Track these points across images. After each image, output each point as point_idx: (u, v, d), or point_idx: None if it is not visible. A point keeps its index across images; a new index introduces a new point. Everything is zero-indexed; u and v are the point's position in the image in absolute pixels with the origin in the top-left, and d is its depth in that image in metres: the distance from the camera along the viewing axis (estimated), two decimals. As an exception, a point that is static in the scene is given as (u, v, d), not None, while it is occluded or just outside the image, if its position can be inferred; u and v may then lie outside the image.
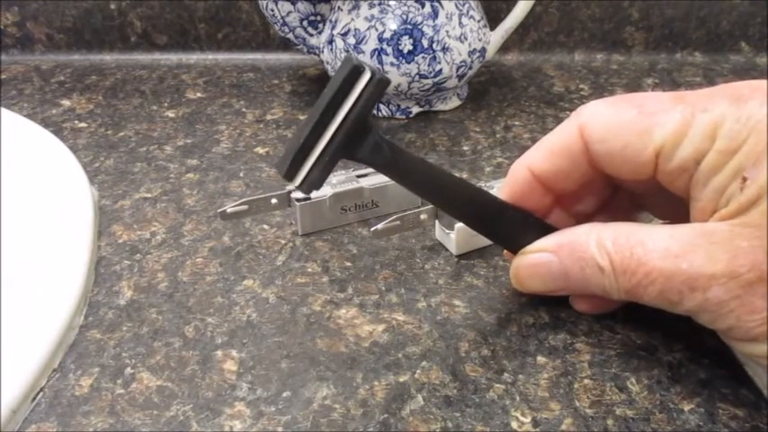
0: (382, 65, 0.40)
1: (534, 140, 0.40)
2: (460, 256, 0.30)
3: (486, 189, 0.31)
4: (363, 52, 0.40)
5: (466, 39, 0.41)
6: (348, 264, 0.30)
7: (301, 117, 0.44)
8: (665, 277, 0.20)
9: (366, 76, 0.19)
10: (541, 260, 0.24)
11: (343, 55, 0.41)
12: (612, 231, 0.22)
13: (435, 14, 0.39)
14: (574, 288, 0.24)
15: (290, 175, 0.20)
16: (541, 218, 0.26)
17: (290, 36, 0.44)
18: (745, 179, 0.19)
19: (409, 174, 0.23)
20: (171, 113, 0.45)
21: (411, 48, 0.39)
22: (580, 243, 0.23)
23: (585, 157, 0.23)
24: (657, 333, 0.25)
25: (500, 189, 0.26)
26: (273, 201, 0.30)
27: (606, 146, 0.22)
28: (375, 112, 0.44)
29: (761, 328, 0.20)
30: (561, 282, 0.24)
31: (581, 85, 0.49)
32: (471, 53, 0.41)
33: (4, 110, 0.42)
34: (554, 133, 0.24)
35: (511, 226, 0.25)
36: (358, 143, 0.21)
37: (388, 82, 0.20)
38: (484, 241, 0.30)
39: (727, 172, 0.20)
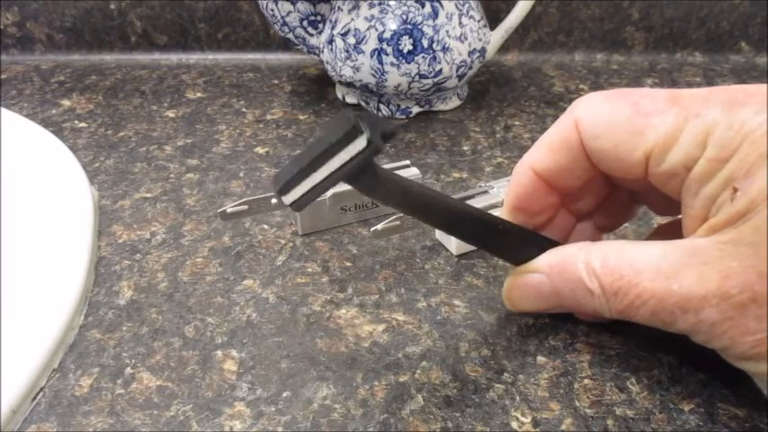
0: (382, 65, 0.40)
1: (534, 140, 0.40)
2: (460, 256, 0.30)
3: (484, 189, 0.31)
4: (363, 52, 0.40)
5: (466, 39, 0.41)
6: (348, 264, 0.30)
7: (301, 117, 0.44)
8: (656, 299, 0.20)
9: (362, 143, 0.19)
10: (532, 281, 0.24)
11: (343, 55, 0.41)
12: (601, 252, 0.22)
13: (435, 14, 0.39)
14: (567, 307, 0.24)
15: (283, 192, 0.21)
16: (535, 230, 0.26)
17: (290, 36, 0.44)
18: (735, 189, 0.19)
19: (405, 204, 0.23)
20: (171, 113, 0.45)
21: (411, 48, 0.39)
22: (569, 264, 0.23)
23: (584, 152, 0.23)
24: (657, 333, 0.25)
25: (505, 192, 0.26)
26: (273, 201, 0.31)
27: (599, 143, 0.22)
28: (375, 112, 0.44)
29: (755, 349, 0.19)
30: (553, 301, 0.24)
31: (581, 85, 0.49)
32: (471, 53, 0.41)
33: (4, 110, 0.42)
34: (551, 130, 0.24)
35: (503, 240, 0.25)
36: (355, 180, 0.21)
37: (382, 147, 0.20)
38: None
39: (717, 181, 0.20)
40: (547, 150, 0.24)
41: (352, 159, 0.19)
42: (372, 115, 0.20)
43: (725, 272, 0.19)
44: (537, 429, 0.22)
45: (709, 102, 0.20)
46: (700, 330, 0.20)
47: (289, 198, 0.20)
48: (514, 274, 0.25)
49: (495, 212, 0.25)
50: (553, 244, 0.25)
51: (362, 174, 0.20)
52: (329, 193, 0.31)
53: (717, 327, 0.19)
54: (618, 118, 0.22)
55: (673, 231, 0.25)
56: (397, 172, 0.33)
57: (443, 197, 0.24)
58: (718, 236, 0.20)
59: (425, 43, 0.39)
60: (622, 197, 0.26)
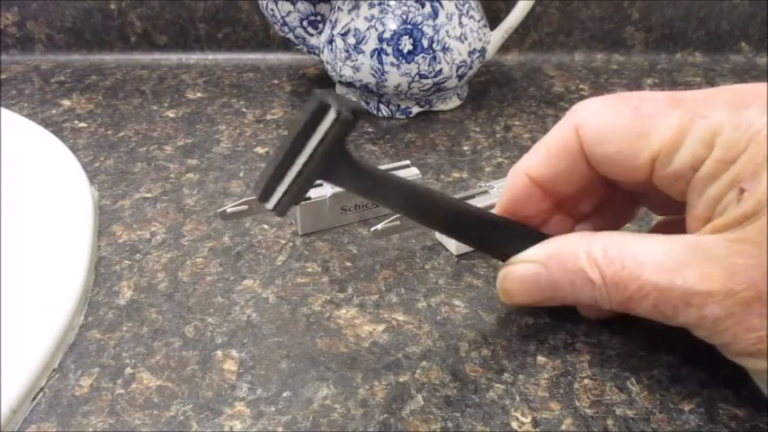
0: (382, 65, 0.40)
1: (534, 140, 0.40)
2: (460, 256, 0.30)
3: (484, 189, 0.31)
4: (363, 52, 0.40)
5: (466, 39, 0.41)
6: (348, 264, 0.30)
7: (301, 117, 0.44)
8: (658, 291, 0.20)
9: (331, 116, 0.19)
10: (529, 271, 0.23)
11: (343, 55, 0.41)
12: (602, 242, 0.22)
13: (435, 14, 0.39)
14: (563, 299, 0.23)
15: (263, 198, 0.20)
16: (527, 224, 0.25)
17: (290, 36, 0.44)
18: (742, 191, 0.19)
19: (387, 195, 0.23)
20: (171, 113, 0.45)
21: (411, 48, 0.39)
22: (570, 254, 0.22)
23: (583, 157, 0.23)
24: (657, 333, 0.25)
25: (500, 197, 0.26)
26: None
27: (601, 148, 0.22)
28: (375, 112, 0.44)
29: (757, 346, 0.19)
30: (550, 293, 0.23)
31: (581, 85, 0.49)
32: (471, 53, 0.41)
33: (4, 110, 0.42)
34: (550, 135, 0.24)
35: (495, 235, 0.25)
36: (330, 170, 0.20)
37: (352, 121, 0.19)
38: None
39: (723, 181, 0.20)
40: (545, 156, 0.24)
41: (324, 139, 0.19)
42: (339, 94, 0.20)
43: (730, 269, 0.19)
44: (537, 429, 0.22)
45: (713, 103, 0.20)
46: (702, 325, 0.20)
47: (270, 202, 0.20)
48: (510, 264, 0.24)
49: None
50: (547, 238, 0.24)
51: (338, 159, 0.20)
52: (329, 192, 0.31)
53: (719, 323, 0.20)
54: (620, 122, 0.22)
55: (672, 228, 0.25)
56: (398, 172, 0.33)
57: (431, 191, 0.23)
58: (724, 234, 0.20)
59: (425, 43, 0.39)
60: (622, 199, 0.26)
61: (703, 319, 0.20)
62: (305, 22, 0.43)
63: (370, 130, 0.42)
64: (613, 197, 0.26)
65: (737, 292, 0.19)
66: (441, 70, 0.40)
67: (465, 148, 0.40)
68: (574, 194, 0.25)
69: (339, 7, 0.41)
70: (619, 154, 0.22)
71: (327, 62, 0.43)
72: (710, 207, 0.20)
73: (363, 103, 0.44)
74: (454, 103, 0.45)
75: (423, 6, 0.39)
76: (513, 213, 0.25)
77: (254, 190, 0.20)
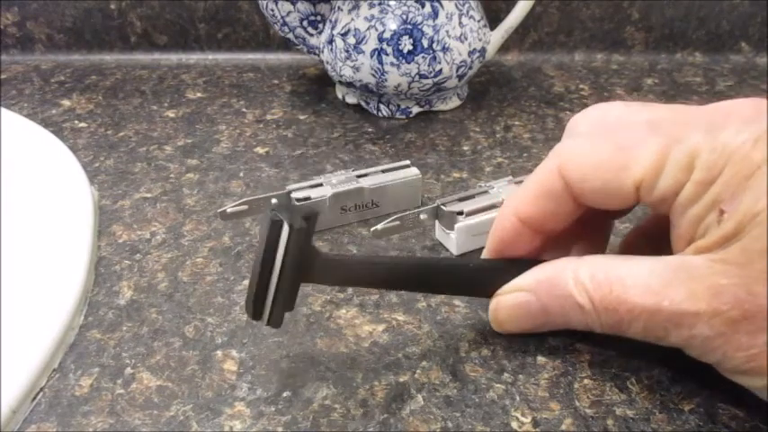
0: (382, 65, 0.40)
1: (534, 140, 0.41)
2: (460, 256, 0.30)
3: (484, 189, 0.31)
4: (363, 52, 0.40)
5: (466, 39, 0.41)
6: (348, 264, 0.30)
7: (301, 117, 0.44)
8: (648, 314, 0.20)
9: (285, 230, 0.21)
10: (519, 300, 0.24)
11: (343, 55, 0.41)
12: (589, 267, 0.22)
13: (435, 14, 0.39)
14: (555, 324, 0.24)
15: (256, 316, 0.22)
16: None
17: (290, 36, 0.44)
18: (722, 212, 0.19)
19: (363, 279, 0.24)
20: (171, 113, 0.45)
21: (411, 48, 0.39)
22: (558, 279, 0.22)
23: (569, 195, 0.23)
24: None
25: (488, 239, 0.26)
26: (273, 201, 0.30)
27: (586, 185, 0.22)
28: (375, 112, 0.44)
29: (748, 364, 0.20)
30: (541, 320, 0.24)
31: (581, 85, 0.49)
32: (471, 53, 0.41)
33: (4, 110, 0.42)
34: (535, 177, 0.24)
35: (481, 279, 0.25)
36: (306, 274, 0.22)
37: (306, 228, 0.21)
38: (484, 241, 0.30)
39: (703, 203, 0.20)
40: (531, 198, 0.24)
41: (287, 251, 0.21)
42: (289, 205, 0.23)
43: (714, 289, 0.19)
44: (537, 429, 0.22)
45: (690, 125, 0.20)
46: (693, 345, 0.20)
47: (264, 318, 0.22)
48: (500, 294, 0.25)
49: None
50: (534, 264, 0.24)
51: (309, 263, 0.22)
52: (329, 192, 0.31)
53: (709, 342, 0.20)
54: (601, 158, 0.22)
55: (634, 246, 0.26)
56: (398, 172, 0.33)
57: (406, 259, 0.24)
58: (706, 255, 0.20)
59: (425, 43, 0.39)
60: (613, 217, 0.26)
61: (693, 339, 0.20)
62: (305, 22, 0.43)
63: (370, 130, 0.42)
64: (605, 218, 0.26)
65: (723, 312, 0.19)
66: (441, 70, 0.40)
67: (465, 148, 0.40)
68: (563, 230, 0.25)
69: (339, 7, 0.41)
70: (604, 187, 0.22)
71: (327, 62, 0.43)
72: (693, 227, 0.20)
73: (363, 103, 0.44)
74: (454, 103, 0.45)
75: (423, 6, 0.39)
76: (502, 253, 0.25)
77: (245, 310, 0.22)
